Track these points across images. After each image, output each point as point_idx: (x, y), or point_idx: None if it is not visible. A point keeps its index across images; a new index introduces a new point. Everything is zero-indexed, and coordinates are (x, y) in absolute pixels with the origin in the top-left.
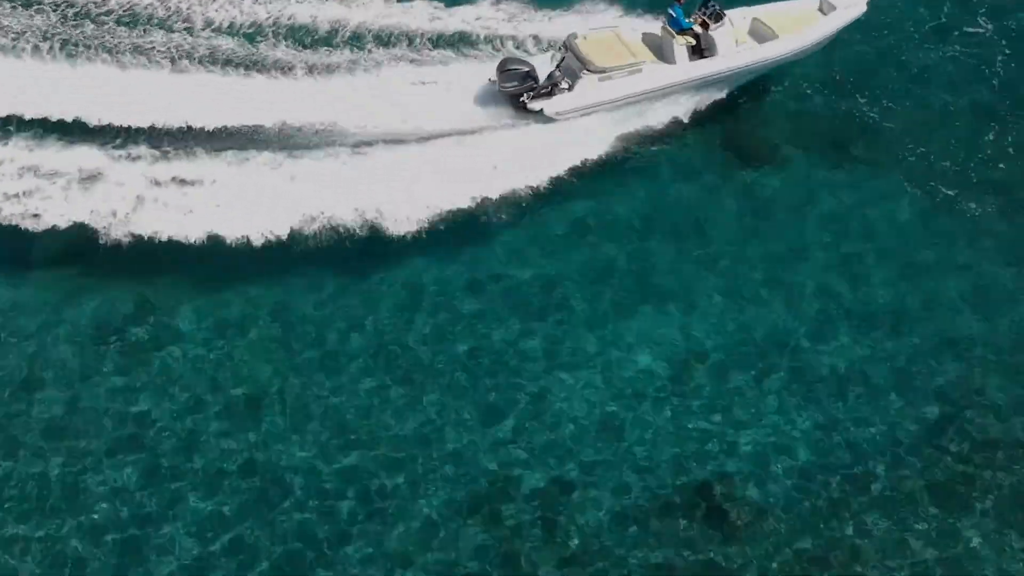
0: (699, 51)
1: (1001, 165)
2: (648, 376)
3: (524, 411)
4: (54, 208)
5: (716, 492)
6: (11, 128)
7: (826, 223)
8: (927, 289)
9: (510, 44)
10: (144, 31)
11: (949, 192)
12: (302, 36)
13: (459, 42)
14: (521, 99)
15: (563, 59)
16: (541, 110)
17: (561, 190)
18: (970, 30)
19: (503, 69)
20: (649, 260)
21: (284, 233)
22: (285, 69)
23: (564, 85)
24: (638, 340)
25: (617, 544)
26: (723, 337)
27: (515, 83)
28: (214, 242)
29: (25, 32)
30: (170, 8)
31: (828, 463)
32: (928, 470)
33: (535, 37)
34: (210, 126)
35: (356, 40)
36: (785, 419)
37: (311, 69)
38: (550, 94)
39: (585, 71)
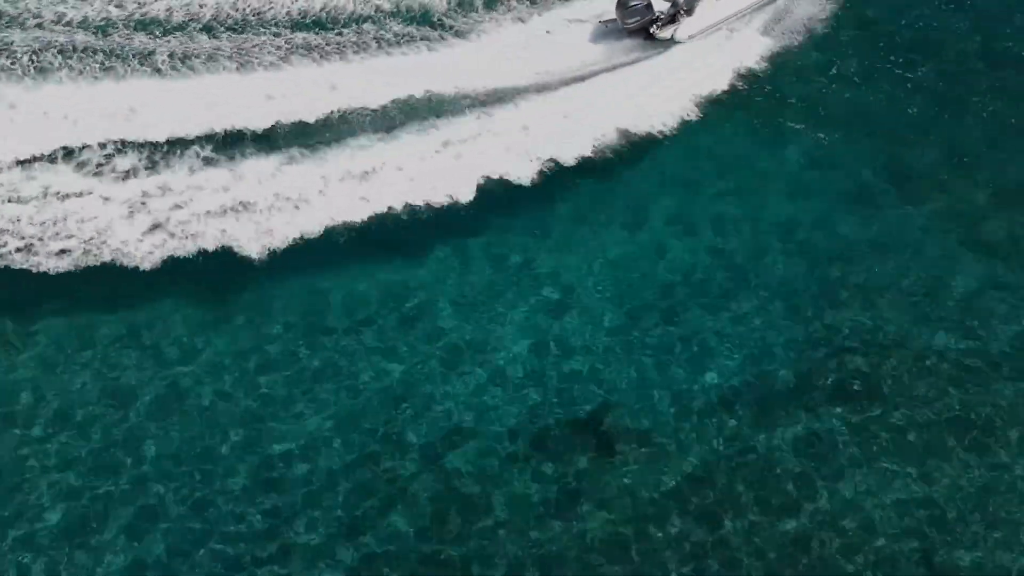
0: None
1: (847, 96)
2: (540, 321)
3: (417, 362)
4: None
5: (604, 425)
6: None
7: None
8: (794, 224)
9: None
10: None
11: (797, 126)
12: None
13: None
14: (651, 30)
15: None
16: (671, 37)
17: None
18: None
19: (625, 6)
20: (551, 215)
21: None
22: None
23: (683, 11)
24: (532, 289)
25: (511, 485)
26: (616, 278)
27: (638, 17)
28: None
29: None
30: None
31: (715, 395)
32: (812, 398)
33: None
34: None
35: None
36: (670, 355)
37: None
38: (673, 21)
39: None
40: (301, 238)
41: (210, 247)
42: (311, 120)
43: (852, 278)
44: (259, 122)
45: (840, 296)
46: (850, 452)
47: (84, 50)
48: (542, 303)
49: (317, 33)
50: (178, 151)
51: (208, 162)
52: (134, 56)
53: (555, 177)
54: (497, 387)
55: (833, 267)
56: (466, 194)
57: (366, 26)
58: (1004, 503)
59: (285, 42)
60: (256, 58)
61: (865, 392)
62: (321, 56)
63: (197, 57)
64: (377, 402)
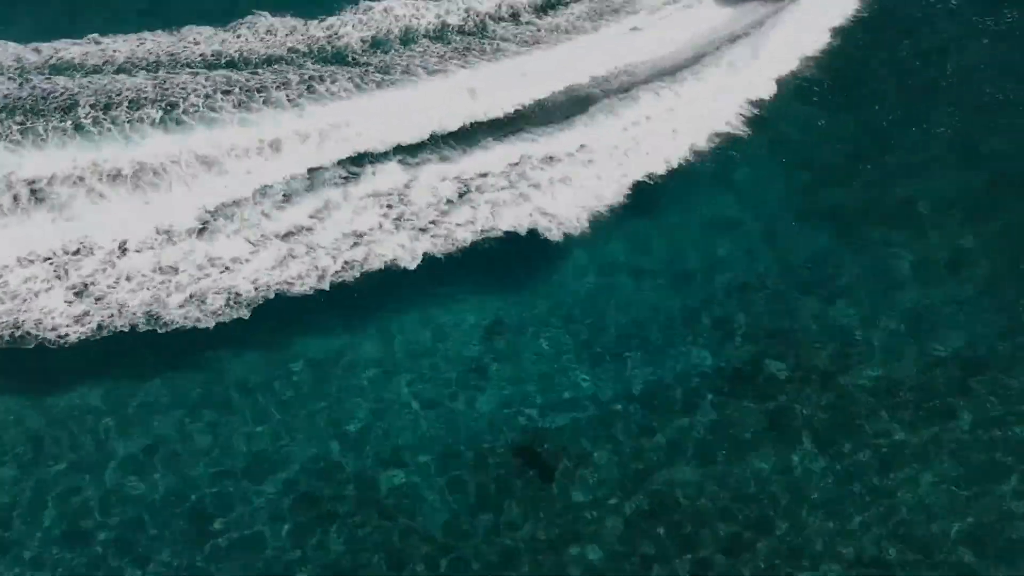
0: None
1: (757, 111)
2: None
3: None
4: None
5: (541, 449)
6: None
7: None
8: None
9: None
10: None
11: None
12: None
13: None
14: None
15: None
16: None
17: None
18: None
19: None
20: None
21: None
22: None
23: None
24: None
25: (454, 513)
26: (540, 301)
27: None
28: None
29: None
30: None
31: (646, 408)
32: (746, 405)
33: None
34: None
35: None
36: (601, 373)
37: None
38: None
39: None
40: (231, 301)
41: (138, 314)
42: (243, 193)
43: (811, 309)
44: (189, 190)
45: (800, 326)
46: (809, 479)
47: (3, 108)
48: (481, 338)
49: (237, 71)
50: (99, 210)
51: (133, 221)
52: (55, 110)
53: (488, 231)
54: (437, 418)
55: (789, 297)
56: (402, 246)
57: (288, 68)
58: (963, 531)
59: (206, 79)
60: (181, 98)
61: (826, 420)
62: (247, 97)
63: (119, 106)
64: (324, 448)
